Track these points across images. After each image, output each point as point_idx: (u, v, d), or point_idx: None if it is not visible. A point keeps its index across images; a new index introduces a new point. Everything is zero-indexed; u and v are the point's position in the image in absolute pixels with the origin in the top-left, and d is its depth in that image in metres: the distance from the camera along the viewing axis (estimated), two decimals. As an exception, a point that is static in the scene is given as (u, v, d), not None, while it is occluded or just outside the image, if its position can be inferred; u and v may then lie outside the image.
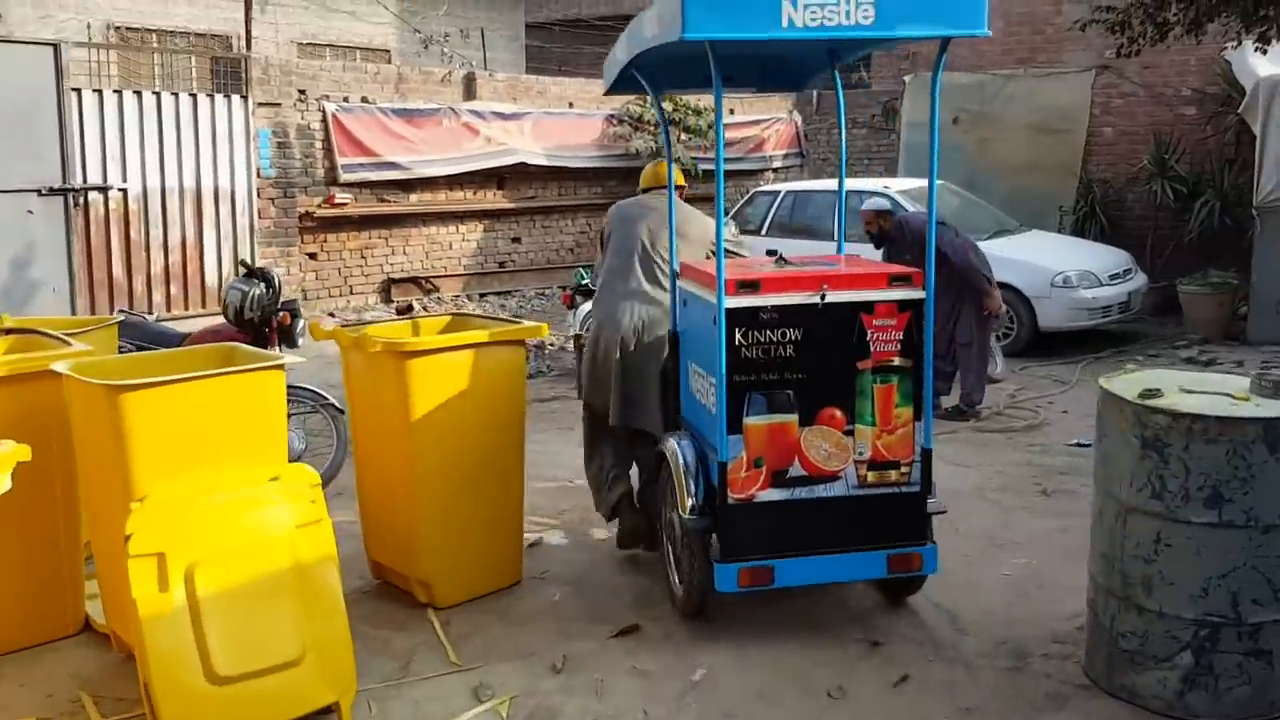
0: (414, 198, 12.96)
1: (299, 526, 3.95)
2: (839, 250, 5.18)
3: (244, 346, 4.44)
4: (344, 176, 12.22)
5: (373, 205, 12.58)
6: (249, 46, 11.86)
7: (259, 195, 11.54)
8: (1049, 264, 10.10)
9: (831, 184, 12.22)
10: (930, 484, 4.18)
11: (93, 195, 10.22)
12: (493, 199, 13.79)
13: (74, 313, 10.06)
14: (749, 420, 4.00)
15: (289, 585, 3.91)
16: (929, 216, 4.25)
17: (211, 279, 11.20)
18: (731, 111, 16.30)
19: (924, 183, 11.50)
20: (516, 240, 14.09)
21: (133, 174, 10.46)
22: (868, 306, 4.01)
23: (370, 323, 10.83)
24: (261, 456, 4.00)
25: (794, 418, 4.01)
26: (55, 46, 9.78)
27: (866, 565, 4.18)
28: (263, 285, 6.53)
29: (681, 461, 4.25)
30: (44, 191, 9.82)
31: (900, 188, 11.15)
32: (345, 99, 12.34)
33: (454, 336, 4.61)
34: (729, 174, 16.24)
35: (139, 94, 10.47)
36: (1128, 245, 11.73)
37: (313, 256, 12.26)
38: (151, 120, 10.53)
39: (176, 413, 3.78)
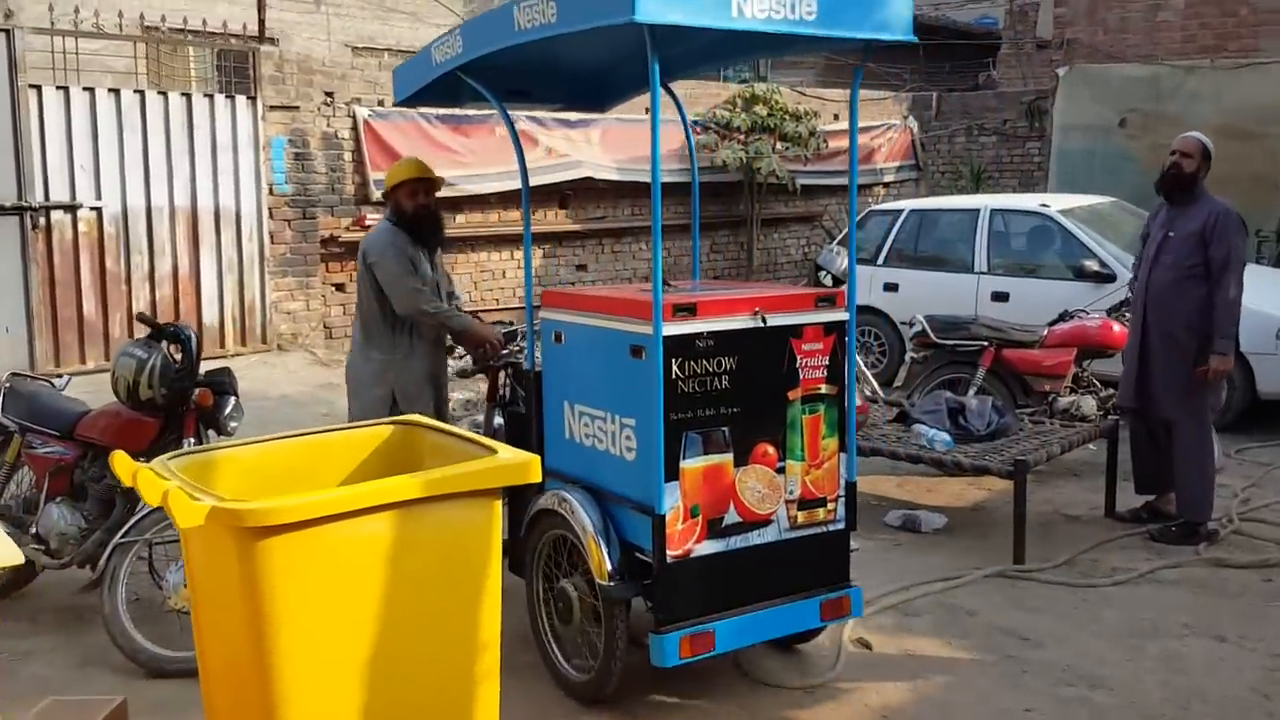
0: (461, 218, 10.94)
1: None
2: (694, 275, 5.07)
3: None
4: (378, 194, 10.24)
5: (411, 227, 10.58)
6: (261, 37, 9.97)
7: (271, 216, 9.61)
8: (1272, 309, 7.59)
9: (966, 201, 9.86)
10: (855, 519, 4.02)
11: (57, 215, 8.36)
12: (554, 219, 11.69)
13: (31, 360, 8.24)
14: (686, 464, 3.61)
15: None
16: (852, 254, 4.33)
17: (211, 318, 9.28)
18: (836, 117, 14.01)
19: (1090, 200, 9.15)
20: (582, 267, 11.98)
21: (109, 190, 8.59)
22: (797, 330, 3.80)
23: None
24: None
25: (730, 457, 3.69)
26: (7, 33, 7.97)
27: (802, 616, 3.90)
28: (168, 350, 4.51)
29: (587, 519, 3.75)
30: (-6, 211, 8.03)
31: (1061, 206, 8.73)
32: (380, 102, 10.38)
33: (355, 492, 2.44)
34: (832, 189, 13.96)
35: (116, 93, 8.59)
36: (1352, 281, 9.12)
37: (339, 288, 10.31)
38: (134, 125, 8.66)
39: None
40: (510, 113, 10.87)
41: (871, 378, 7.89)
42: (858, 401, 6.02)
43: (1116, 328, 6.78)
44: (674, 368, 3.54)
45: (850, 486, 3.96)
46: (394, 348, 4.87)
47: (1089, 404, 6.61)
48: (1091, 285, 7.89)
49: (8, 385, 5.15)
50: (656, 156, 3.44)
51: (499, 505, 2.64)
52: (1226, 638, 4.42)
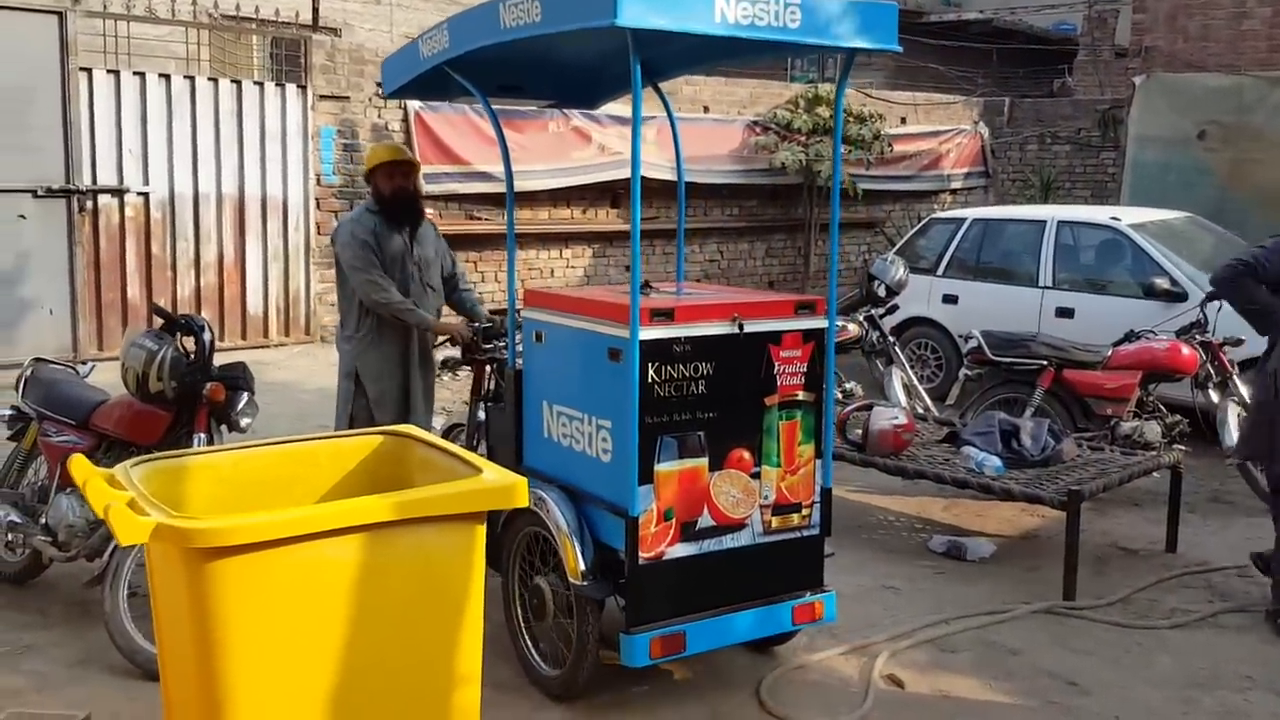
0: (511, 213, 10.77)
1: None
2: (678, 277, 4.93)
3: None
4: (427, 187, 10.07)
5: (460, 222, 10.45)
6: (314, 26, 9.88)
7: (318, 206, 9.54)
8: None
9: (1033, 211, 9.46)
10: (830, 525, 4.03)
11: (104, 199, 8.36)
12: (605, 219, 11.50)
13: (74, 342, 8.25)
14: (661, 467, 3.62)
15: None
16: (834, 261, 4.18)
17: (255, 307, 9.23)
18: (903, 120, 13.64)
19: (1164, 215, 8.70)
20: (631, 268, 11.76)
21: (156, 175, 8.57)
22: (776, 337, 3.81)
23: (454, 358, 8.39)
24: None
25: (705, 462, 3.71)
26: (60, 15, 7.96)
27: (773, 620, 3.92)
28: (181, 343, 4.37)
29: (562, 518, 3.78)
30: (41, 192, 8.05)
31: (1133, 220, 8.30)
32: (434, 100, 10.25)
33: (319, 513, 2.24)
34: (898, 195, 13.59)
35: (166, 78, 8.56)
36: None
37: (385, 280, 10.20)
38: (183, 110, 8.62)
39: None
40: (564, 110, 10.78)
41: (924, 394, 7.56)
42: (903, 420, 5.74)
43: (1185, 350, 6.38)
44: (650, 372, 3.56)
45: (825, 492, 3.99)
46: (359, 329, 5.07)
47: (1153, 430, 6.21)
48: (1162, 305, 7.46)
49: (29, 371, 5.06)
50: (637, 155, 3.47)
51: (481, 530, 2.41)
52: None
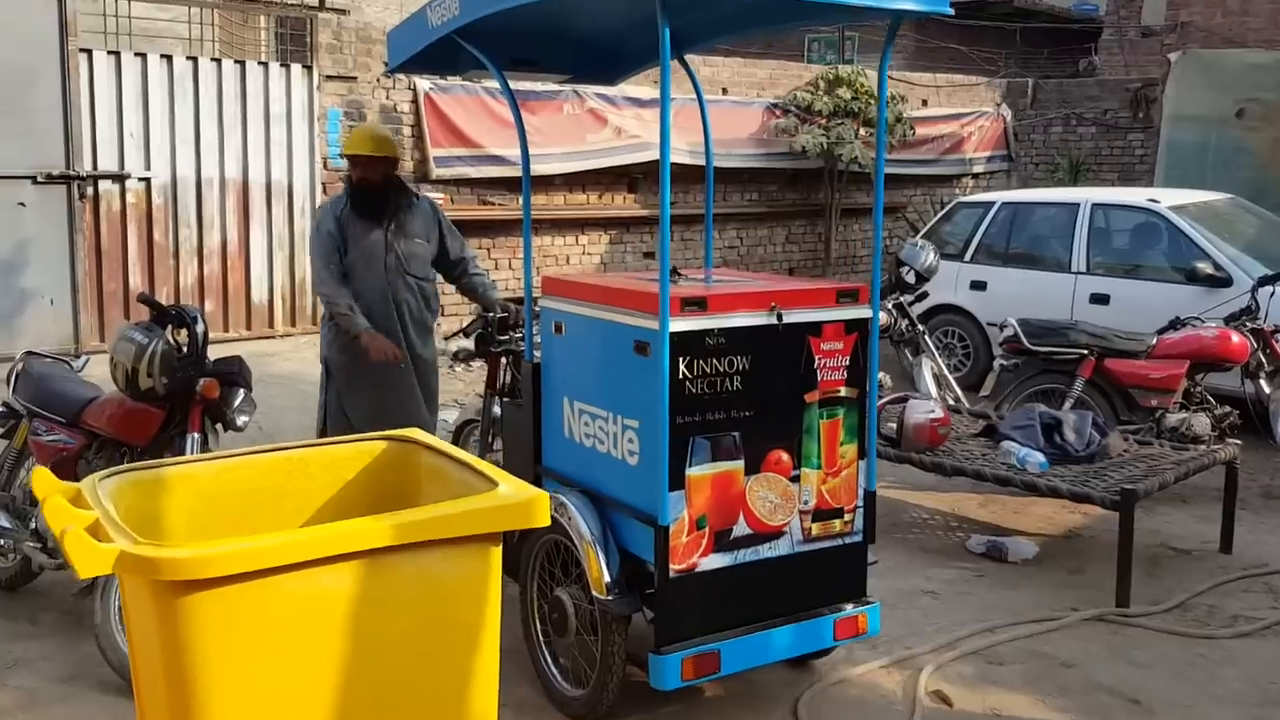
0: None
1: None
2: (707, 264, 4.58)
3: None
4: (437, 171, 9.82)
5: (472, 207, 10.14)
6: (321, 5, 9.55)
7: (324, 191, 9.22)
8: None
9: (1064, 194, 9.12)
10: (874, 532, 3.76)
11: (105, 185, 8.07)
12: (622, 204, 11.17)
13: (76, 333, 7.99)
14: (693, 471, 3.35)
15: None
16: (878, 242, 3.97)
17: (260, 296, 8.94)
18: (924, 102, 13.27)
19: (1205, 197, 8.36)
20: (650, 255, 11.44)
21: (159, 160, 8.26)
22: (816, 328, 3.53)
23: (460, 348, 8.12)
24: None
25: (740, 465, 3.45)
26: (58, -9, 7.68)
27: (814, 635, 3.65)
28: (173, 336, 4.11)
29: (585, 526, 3.53)
30: (41, 179, 7.76)
31: (1172, 202, 7.96)
32: (443, 75, 9.94)
33: (308, 538, 1.94)
34: (918, 179, 13.24)
35: (168, 59, 8.27)
36: None
37: (396, 268, 9.91)
38: (186, 92, 8.32)
39: None
40: (579, 90, 10.47)
41: (955, 385, 7.25)
42: (939, 413, 5.45)
43: (1236, 338, 6.06)
44: (681, 367, 3.32)
45: (869, 496, 3.75)
46: (330, 317, 4.94)
47: (1201, 422, 5.88)
48: (1204, 290, 7.13)
49: (20, 365, 4.81)
50: (666, 129, 3.22)
51: (497, 552, 2.13)
52: None
